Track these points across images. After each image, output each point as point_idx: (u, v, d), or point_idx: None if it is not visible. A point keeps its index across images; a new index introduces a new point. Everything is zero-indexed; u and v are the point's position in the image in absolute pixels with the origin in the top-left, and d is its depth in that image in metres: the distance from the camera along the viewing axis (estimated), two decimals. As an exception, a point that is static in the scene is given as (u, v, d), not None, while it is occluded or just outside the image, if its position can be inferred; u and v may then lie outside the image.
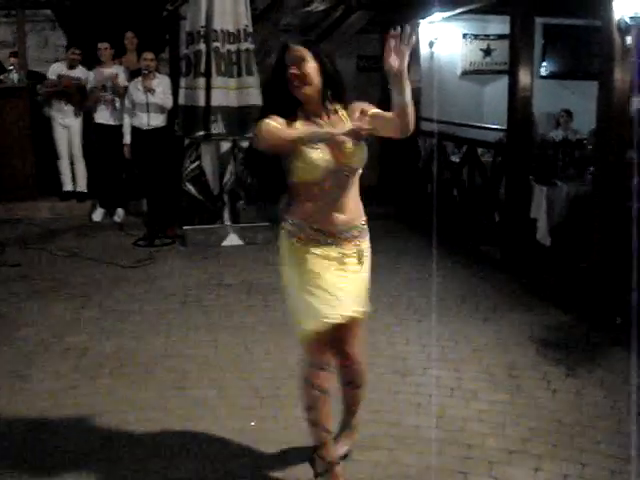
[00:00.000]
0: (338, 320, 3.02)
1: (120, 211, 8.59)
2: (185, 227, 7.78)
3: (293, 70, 2.92)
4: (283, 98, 2.97)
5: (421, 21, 9.34)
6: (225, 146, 7.63)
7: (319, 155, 2.93)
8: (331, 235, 3.07)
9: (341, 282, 3.09)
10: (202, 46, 7.54)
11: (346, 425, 3.54)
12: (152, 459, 3.45)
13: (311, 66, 2.93)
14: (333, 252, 3.09)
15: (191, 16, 7.71)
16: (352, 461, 3.45)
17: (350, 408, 3.52)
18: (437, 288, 5.97)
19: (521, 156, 6.84)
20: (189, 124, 7.64)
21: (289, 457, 3.50)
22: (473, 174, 7.98)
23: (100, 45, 8.28)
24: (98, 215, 8.61)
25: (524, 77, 6.69)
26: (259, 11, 9.35)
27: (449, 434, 3.70)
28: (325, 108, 3.04)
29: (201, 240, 7.61)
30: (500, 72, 10.23)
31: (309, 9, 9.37)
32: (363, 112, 3.07)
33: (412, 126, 2.95)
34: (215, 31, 7.52)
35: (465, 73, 10.80)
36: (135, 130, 7.95)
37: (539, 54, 10.32)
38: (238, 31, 7.62)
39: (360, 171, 3.15)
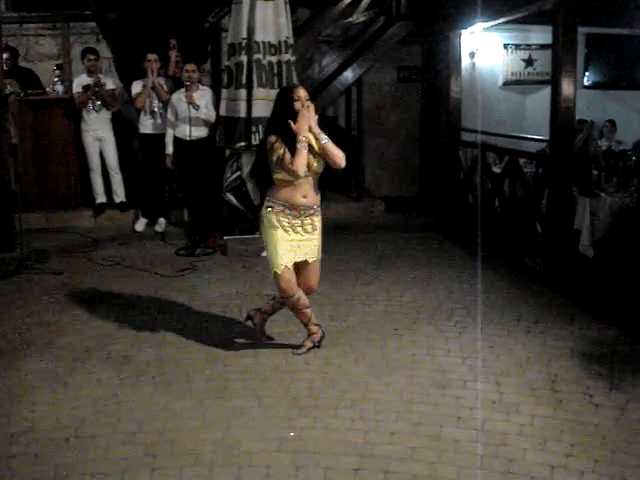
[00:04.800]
0: (290, 263, 4.70)
1: (162, 221, 8.67)
2: (226, 237, 7.84)
3: (305, 102, 4.60)
4: (287, 124, 4.57)
5: (462, 31, 9.32)
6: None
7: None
8: (296, 211, 4.68)
9: (298, 241, 4.73)
10: (243, 58, 7.60)
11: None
12: (193, 468, 3.47)
13: (303, 102, 4.60)
14: (295, 221, 4.71)
15: (233, 28, 7.77)
16: (391, 473, 3.43)
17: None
18: (478, 300, 5.93)
19: (564, 167, 6.77)
20: (230, 135, 7.70)
21: (329, 467, 3.48)
22: (515, 185, 7.92)
23: (149, 56, 8.37)
24: (140, 225, 8.70)
25: (567, 87, 6.63)
26: (300, 23, 9.42)
27: (490, 448, 3.66)
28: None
29: (241, 250, 7.66)
30: (542, 82, 10.16)
31: (350, 20, 9.40)
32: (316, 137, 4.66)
33: (341, 163, 4.71)
34: (257, 43, 7.57)
35: (506, 83, 10.73)
36: (178, 141, 8.03)
37: (582, 64, 10.23)
38: (279, 43, 7.66)
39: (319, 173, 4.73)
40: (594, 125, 8.64)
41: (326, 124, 10.08)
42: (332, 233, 8.51)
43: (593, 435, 3.80)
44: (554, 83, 6.79)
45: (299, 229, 4.71)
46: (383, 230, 8.85)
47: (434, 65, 10.22)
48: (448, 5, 8.99)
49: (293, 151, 4.51)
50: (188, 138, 7.85)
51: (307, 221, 4.73)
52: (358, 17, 9.37)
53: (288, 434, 3.79)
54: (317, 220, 4.80)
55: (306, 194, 4.68)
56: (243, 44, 7.60)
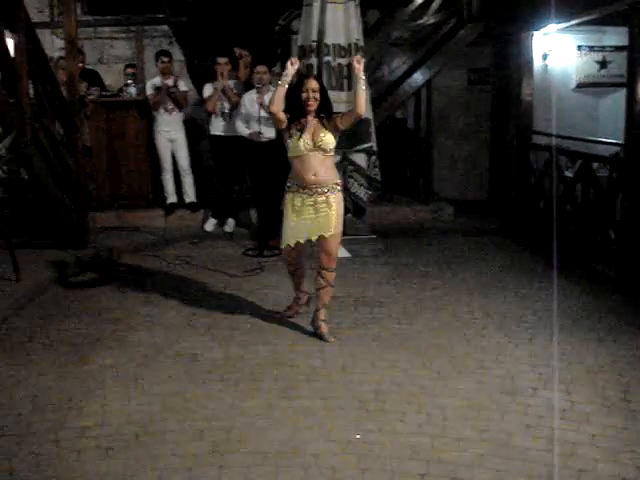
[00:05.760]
0: (292, 244, 5.14)
1: (231, 221, 8.76)
2: (293, 238, 7.87)
3: (310, 94, 5.01)
4: (296, 107, 5.06)
5: (535, 33, 9.17)
6: (335, 159, 7.66)
7: (302, 141, 5.00)
8: (308, 189, 5.03)
9: (310, 220, 5.05)
10: (314, 60, 7.63)
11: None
12: (259, 467, 3.50)
13: (318, 93, 5.03)
14: (309, 200, 5.04)
15: (303, 30, 7.82)
16: (459, 480, 3.40)
17: (317, 289, 5.37)
18: (548, 306, 5.83)
19: (639, 171, 6.60)
20: (299, 136, 7.73)
21: (395, 472, 3.46)
22: (588, 189, 7.74)
23: (220, 60, 8.47)
24: (210, 225, 8.81)
25: (643, 90, 6.46)
26: (370, 25, 9.41)
27: (559, 458, 3.58)
28: (317, 116, 5.07)
29: (309, 251, 7.66)
30: (616, 85, 9.92)
31: (420, 22, 9.36)
32: (335, 120, 5.07)
33: (362, 110, 5.07)
34: (327, 45, 7.60)
35: (580, 86, 10.50)
36: (248, 142, 8.11)
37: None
38: (349, 45, 7.67)
39: (331, 152, 5.10)
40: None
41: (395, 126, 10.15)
42: (399, 236, 8.53)
43: (668, 448, 3.69)
44: (630, 86, 6.63)
45: (310, 208, 5.05)
46: (451, 234, 8.77)
47: (505, 67, 10.08)
48: (521, 6, 8.86)
49: (300, 131, 5.02)
50: (257, 139, 7.92)
51: (321, 199, 5.03)
52: (428, 19, 9.33)
53: (354, 436, 3.78)
54: (333, 198, 5.06)
55: (316, 172, 5.00)
56: (313, 46, 7.64)
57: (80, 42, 8.51)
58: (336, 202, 5.08)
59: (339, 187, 5.15)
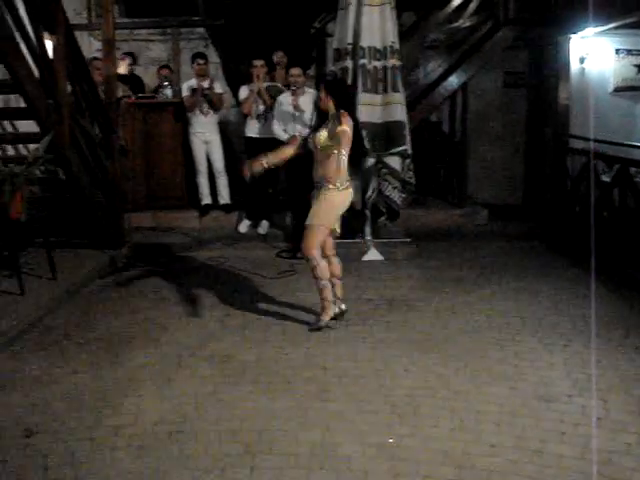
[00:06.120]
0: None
1: (265, 223, 8.78)
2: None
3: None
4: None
5: (572, 36, 9.09)
6: (369, 162, 7.65)
7: (312, 138, 5.49)
8: (315, 183, 5.48)
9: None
10: (349, 63, 7.64)
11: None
12: (292, 469, 3.50)
13: (322, 95, 5.45)
14: (316, 193, 5.47)
15: (338, 33, 7.83)
16: (492, 486, 3.37)
17: (332, 275, 5.56)
18: (584, 312, 5.77)
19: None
20: (334, 139, 7.74)
21: (427, 476, 3.44)
22: (625, 195, 7.64)
23: (256, 62, 8.50)
24: (244, 226, 8.84)
25: (684, 94, 6.36)
26: (405, 28, 9.38)
27: (594, 466, 3.52)
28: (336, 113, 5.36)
29: (342, 254, 7.64)
30: (655, 89, 9.80)
31: (456, 25, 9.32)
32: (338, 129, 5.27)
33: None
34: (362, 48, 7.60)
35: (617, 89, 10.36)
36: (282, 143, 8.10)
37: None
38: (385, 48, 7.66)
39: (335, 153, 5.20)
40: None
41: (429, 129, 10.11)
42: (433, 240, 8.48)
43: None
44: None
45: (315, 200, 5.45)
46: (486, 238, 8.71)
47: (542, 70, 9.99)
48: (558, 9, 8.78)
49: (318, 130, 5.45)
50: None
51: (319, 192, 5.41)
52: (464, 22, 9.28)
53: (387, 440, 3.77)
54: (325, 192, 5.35)
55: (318, 168, 5.44)
56: (349, 49, 7.65)
57: (117, 44, 8.59)
58: (324, 198, 5.35)
59: (331, 186, 5.30)
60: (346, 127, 5.19)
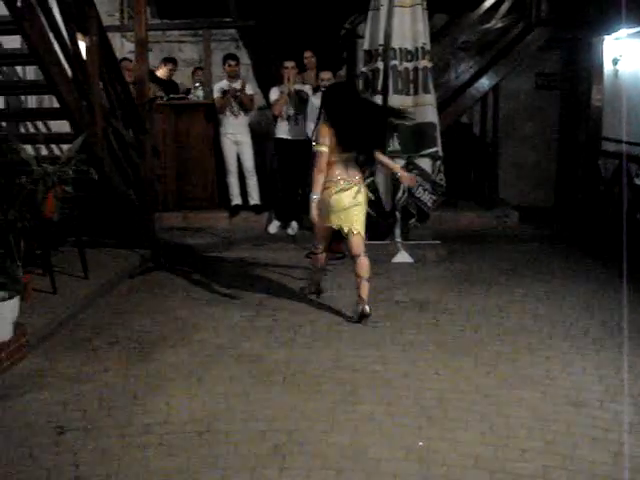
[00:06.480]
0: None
1: (294, 224, 8.79)
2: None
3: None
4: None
5: (605, 37, 8.99)
6: (399, 163, 7.62)
7: None
8: None
9: None
10: (380, 64, 7.63)
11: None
12: (321, 470, 3.49)
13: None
14: None
15: (369, 34, 7.81)
16: (523, 491, 3.34)
17: (356, 275, 5.68)
18: (617, 316, 5.70)
19: None
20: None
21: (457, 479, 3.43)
22: (659, 198, 7.55)
23: (287, 64, 8.52)
24: (273, 227, 8.87)
25: None
26: (437, 29, 9.35)
27: (627, 473, 3.48)
28: None
29: (371, 256, 7.64)
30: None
31: (487, 26, 9.26)
32: None
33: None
34: (393, 49, 7.58)
35: (652, 91, 10.25)
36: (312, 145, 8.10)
37: None
38: (416, 49, 7.64)
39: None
40: None
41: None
42: (463, 242, 8.44)
43: None
44: None
45: None
46: (517, 240, 8.65)
47: (574, 72, 9.91)
48: (591, 10, 8.69)
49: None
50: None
51: None
52: (496, 23, 9.22)
53: (416, 443, 3.75)
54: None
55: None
56: (380, 50, 7.64)
57: (149, 45, 8.66)
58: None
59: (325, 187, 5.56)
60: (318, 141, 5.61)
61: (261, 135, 9.58)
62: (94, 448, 3.70)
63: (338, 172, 5.54)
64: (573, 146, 9.95)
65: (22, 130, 7.74)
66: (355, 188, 5.55)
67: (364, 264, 5.63)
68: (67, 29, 6.43)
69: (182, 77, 10.62)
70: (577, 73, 9.81)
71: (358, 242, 5.64)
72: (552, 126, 10.65)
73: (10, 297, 4.83)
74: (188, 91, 10.00)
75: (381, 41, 7.64)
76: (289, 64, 8.52)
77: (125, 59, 9.19)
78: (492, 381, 4.56)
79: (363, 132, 5.56)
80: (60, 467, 3.52)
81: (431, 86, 7.69)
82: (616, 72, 9.95)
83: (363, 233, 5.67)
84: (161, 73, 9.91)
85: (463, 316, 5.85)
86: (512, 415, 4.08)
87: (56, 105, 6.70)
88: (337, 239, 7.91)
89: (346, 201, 5.54)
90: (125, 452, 3.67)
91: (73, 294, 6.11)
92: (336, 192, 5.52)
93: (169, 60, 10.11)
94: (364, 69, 7.85)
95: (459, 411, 4.13)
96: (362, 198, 5.62)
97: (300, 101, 8.46)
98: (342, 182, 5.52)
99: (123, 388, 4.45)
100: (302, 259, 7.68)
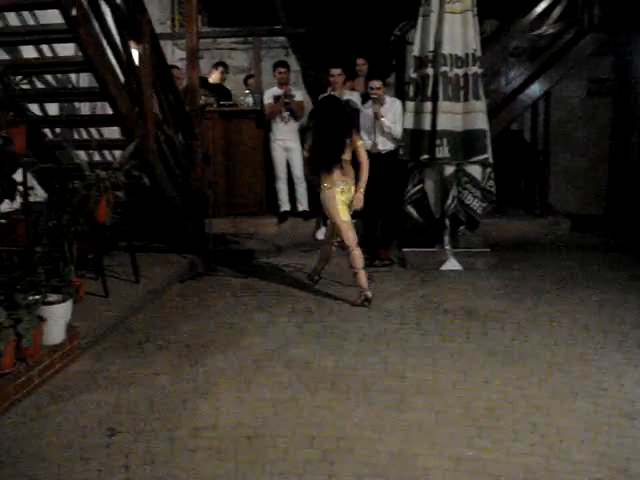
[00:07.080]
0: None
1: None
2: (405, 249, 7.85)
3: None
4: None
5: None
6: (449, 170, 7.59)
7: None
8: None
9: None
10: (430, 70, 7.59)
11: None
12: (369, 478, 3.48)
13: None
14: None
15: (419, 41, 7.77)
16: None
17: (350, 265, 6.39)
18: (672, 328, 5.58)
19: None
20: (414, 148, 7.69)
21: (508, 492, 3.38)
22: None
23: (333, 71, 8.53)
24: (321, 234, 8.83)
25: None
26: (487, 35, 9.28)
27: (682, 487, 3.41)
28: None
29: (420, 263, 7.64)
30: None
31: (539, 32, 9.16)
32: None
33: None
34: (443, 55, 7.53)
35: None
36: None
37: None
38: (466, 55, 7.57)
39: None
40: None
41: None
42: (513, 250, 8.35)
43: None
44: None
45: None
46: (568, 249, 8.52)
47: (628, 77, 9.74)
48: (645, 15, 8.55)
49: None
50: (374, 151, 7.81)
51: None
52: (547, 28, 9.12)
53: (466, 453, 3.71)
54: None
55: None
56: (430, 57, 7.60)
57: (200, 53, 8.75)
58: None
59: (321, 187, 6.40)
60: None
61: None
62: (144, 451, 3.74)
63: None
64: (627, 153, 9.78)
65: (75, 136, 7.87)
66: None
67: (356, 256, 6.31)
68: (120, 37, 6.54)
69: (232, 84, 10.71)
70: (631, 79, 9.64)
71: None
72: (604, 133, 10.48)
73: (63, 300, 4.93)
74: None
75: (431, 47, 7.60)
76: (335, 71, 8.52)
77: (173, 67, 9.30)
78: (543, 391, 4.50)
79: (324, 151, 6.37)
80: (110, 469, 3.57)
81: (481, 93, 7.61)
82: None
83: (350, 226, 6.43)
84: (213, 78, 10.03)
85: (513, 325, 5.78)
86: (563, 426, 4.01)
87: (109, 112, 6.81)
88: (384, 246, 7.93)
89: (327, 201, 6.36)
90: (174, 455, 3.71)
91: (124, 298, 6.20)
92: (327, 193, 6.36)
93: (220, 64, 10.21)
94: (414, 75, 7.81)
95: (509, 421, 4.08)
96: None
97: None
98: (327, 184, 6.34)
99: (172, 391, 4.50)
100: (349, 266, 7.67)
